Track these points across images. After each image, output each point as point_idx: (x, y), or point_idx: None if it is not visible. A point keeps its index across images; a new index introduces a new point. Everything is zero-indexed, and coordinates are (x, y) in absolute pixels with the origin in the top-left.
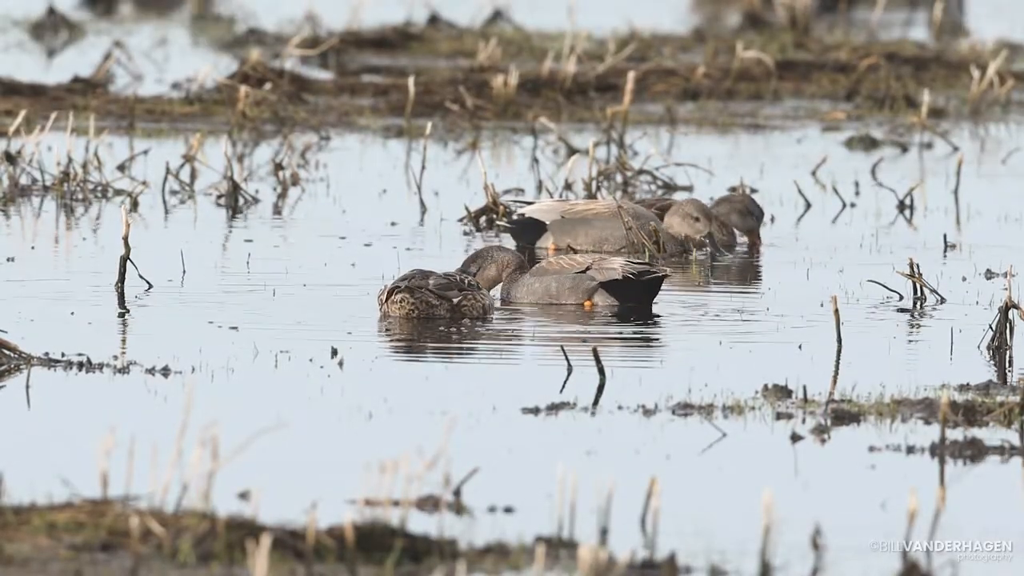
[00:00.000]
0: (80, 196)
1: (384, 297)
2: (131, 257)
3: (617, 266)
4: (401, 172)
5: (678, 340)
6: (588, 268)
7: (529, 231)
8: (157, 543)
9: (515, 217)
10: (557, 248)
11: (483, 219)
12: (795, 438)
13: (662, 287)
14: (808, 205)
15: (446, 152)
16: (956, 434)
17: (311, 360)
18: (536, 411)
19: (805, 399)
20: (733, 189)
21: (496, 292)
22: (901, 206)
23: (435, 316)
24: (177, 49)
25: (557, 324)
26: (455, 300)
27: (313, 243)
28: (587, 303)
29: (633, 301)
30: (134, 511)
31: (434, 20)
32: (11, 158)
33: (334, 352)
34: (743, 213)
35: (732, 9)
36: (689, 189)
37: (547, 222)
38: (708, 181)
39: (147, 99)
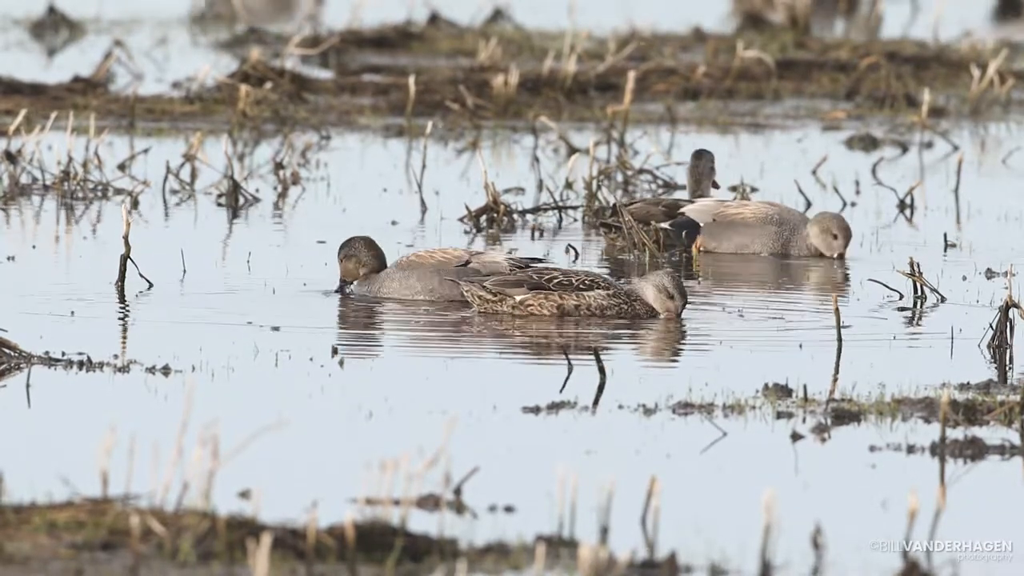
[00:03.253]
0: (80, 195)
1: None
2: (131, 256)
3: (501, 259)
4: (402, 171)
5: (679, 339)
6: (468, 261)
7: (687, 231)
8: (158, 542)
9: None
10: (702, 249)
11: (483, 218)
12: (795, 437)
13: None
14: (808, 204)
15: (446, 151)
16: (957, 433)
17: (311, 359)
18: (536, 410)
19: (805, 398)
20: (733, 188)
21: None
22: (901, 205)
23: (498, 312)
24: (177, 48)
25: (556, 325)
26: (517, 298)
27: (314, 242)
28: None
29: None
30: (134, 510)
31: (435, 19)
32: (11, 157)
33: (334, 351)
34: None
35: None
36: None
37: (701, 224)
38: None
39: (147, 98)
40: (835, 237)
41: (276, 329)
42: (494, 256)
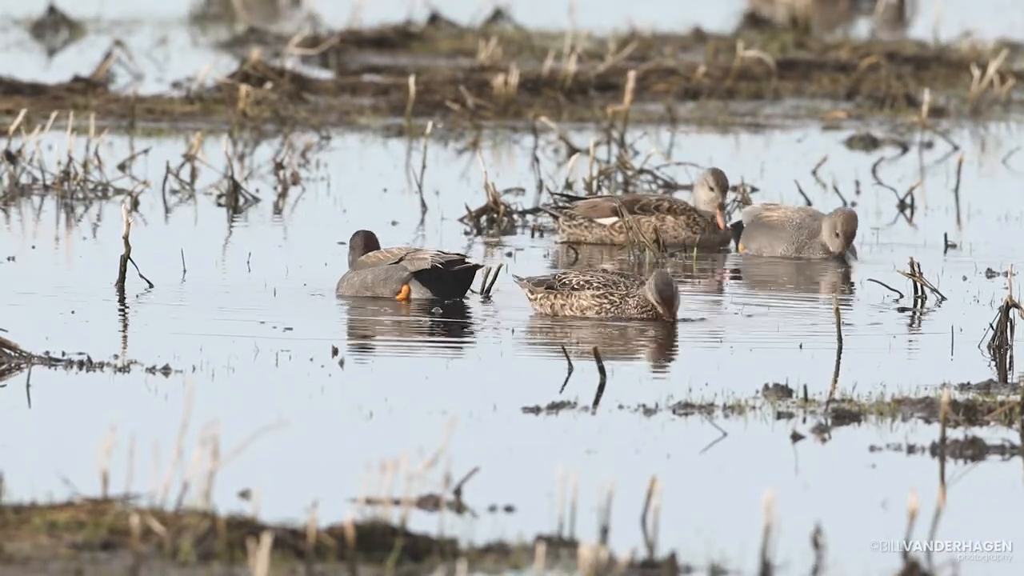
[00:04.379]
0: (80, 195)
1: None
2: (131, 256)
3: (427, 256)
4: (402, 171)
5: (679, 339)
6: (401, 259)
7: (737, 233)
8: (158, 542)
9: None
10: (744, 250)
11: (483, 218)
12: (796, 437)
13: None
14: (808, 204)
15: (447, 151)
16: (957, 433)
17: (312, 359)
18: (537, 410)
19: (806, 398)
20: (734, 188)
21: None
22: (902, 205)
23: (538, 311)
24: (177, 48)
25: (561, 326)
26: (537, 297)
27: (314, 242)
28: (401, 293)
29: (447, 293)
30: (135, 510)
31: (435, 19)
32: (12, 157)
33: (335, 351)
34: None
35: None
36: (690, 188)
37: (744, 224)
38: None
39: (147, 98)
40: (836, 235)
41: (289, 329)
42: (423, 254)
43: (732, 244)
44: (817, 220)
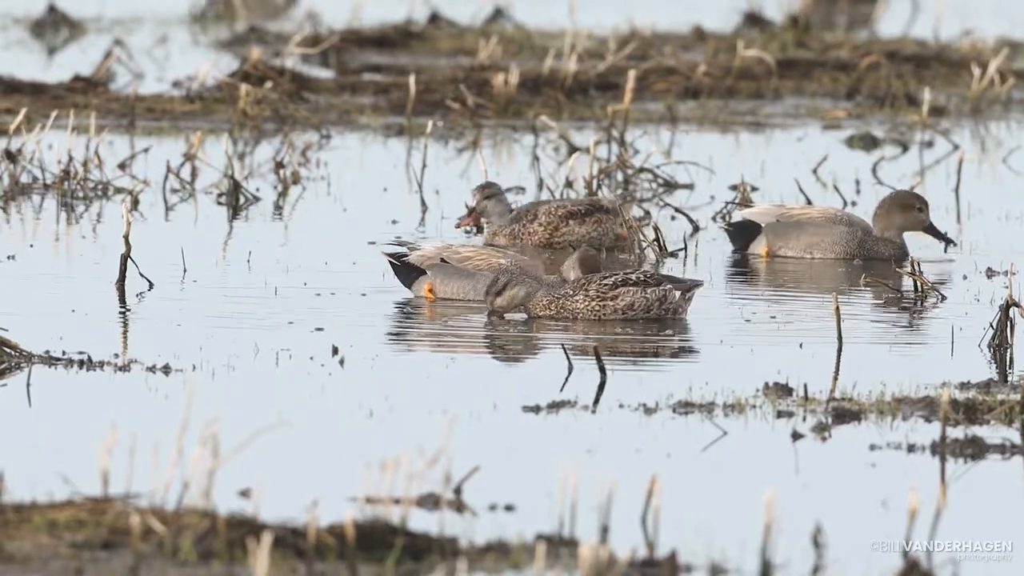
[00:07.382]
0: (81, 194)
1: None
2: (132, 255)
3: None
4: (402, 170)
5: (679, 339)
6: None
7: (745, 234)
8: (158, 541)
9: (733, 220)
10: (769, 251)
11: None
12: (796, 436)
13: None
14: (809, 203)
15: (447, 150)
16: (957, 432)
17: (312, 358)
18: (537, 409)
19: (806, 397)
20: (734, 187)
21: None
22: None
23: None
24: (177, 47)
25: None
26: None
27: (314, 241)
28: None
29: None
30: (135, 509)
31: (435, 18)
32: (12, 156)
33: (335, 350)
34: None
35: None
36: (690, 187)
37: (762, 225)
38: (709, 179)
39: (148, 97)
40: (920, 209)
41: (320, 329)
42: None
43: (733, 246)
44: (857, 217)
